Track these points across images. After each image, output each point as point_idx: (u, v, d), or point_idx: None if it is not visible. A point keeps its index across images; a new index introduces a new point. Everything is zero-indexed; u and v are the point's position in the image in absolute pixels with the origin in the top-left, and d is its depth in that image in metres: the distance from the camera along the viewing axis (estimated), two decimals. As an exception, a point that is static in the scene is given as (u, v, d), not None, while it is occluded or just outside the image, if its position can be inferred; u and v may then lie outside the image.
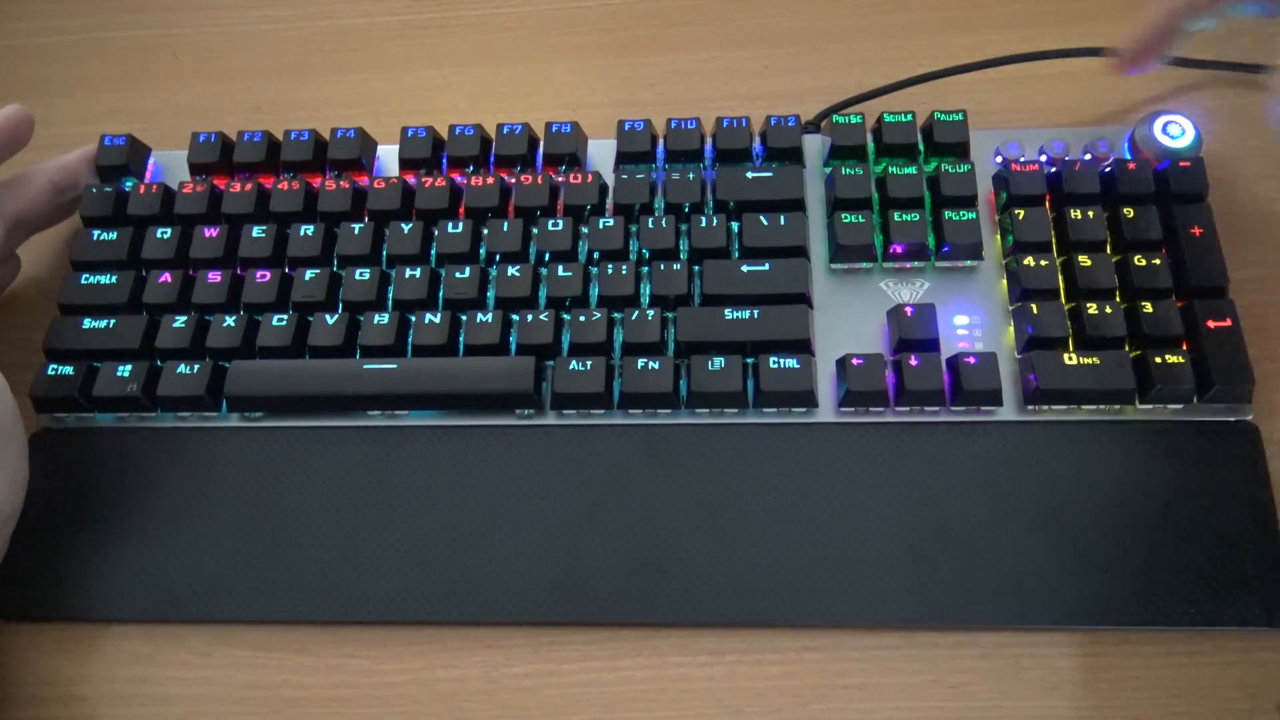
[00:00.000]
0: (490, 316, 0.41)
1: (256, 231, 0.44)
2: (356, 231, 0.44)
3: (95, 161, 0.47)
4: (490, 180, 0.44)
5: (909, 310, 0.40)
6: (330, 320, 0.42)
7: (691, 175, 0.43)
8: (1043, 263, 0.40)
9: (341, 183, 0.45)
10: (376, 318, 0.42)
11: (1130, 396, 0.38)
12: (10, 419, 0.38)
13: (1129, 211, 0.40)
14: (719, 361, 0.40)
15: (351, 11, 0.55)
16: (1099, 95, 0.47)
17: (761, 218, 0.42)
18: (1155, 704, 0.36)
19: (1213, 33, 0.47)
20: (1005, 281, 0.42)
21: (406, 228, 0.43)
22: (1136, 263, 0.39)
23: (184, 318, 0.43)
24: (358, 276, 0.43)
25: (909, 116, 0.43)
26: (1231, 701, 0.36)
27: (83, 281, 0.44)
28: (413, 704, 0.38)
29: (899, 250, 0.41)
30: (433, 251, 0.44)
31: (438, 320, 0.41)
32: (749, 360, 0.40)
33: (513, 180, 0.44)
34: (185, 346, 0.42)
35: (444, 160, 0.46)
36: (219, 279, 0.43)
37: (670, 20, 0.52)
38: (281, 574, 0.39)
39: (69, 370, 0.42)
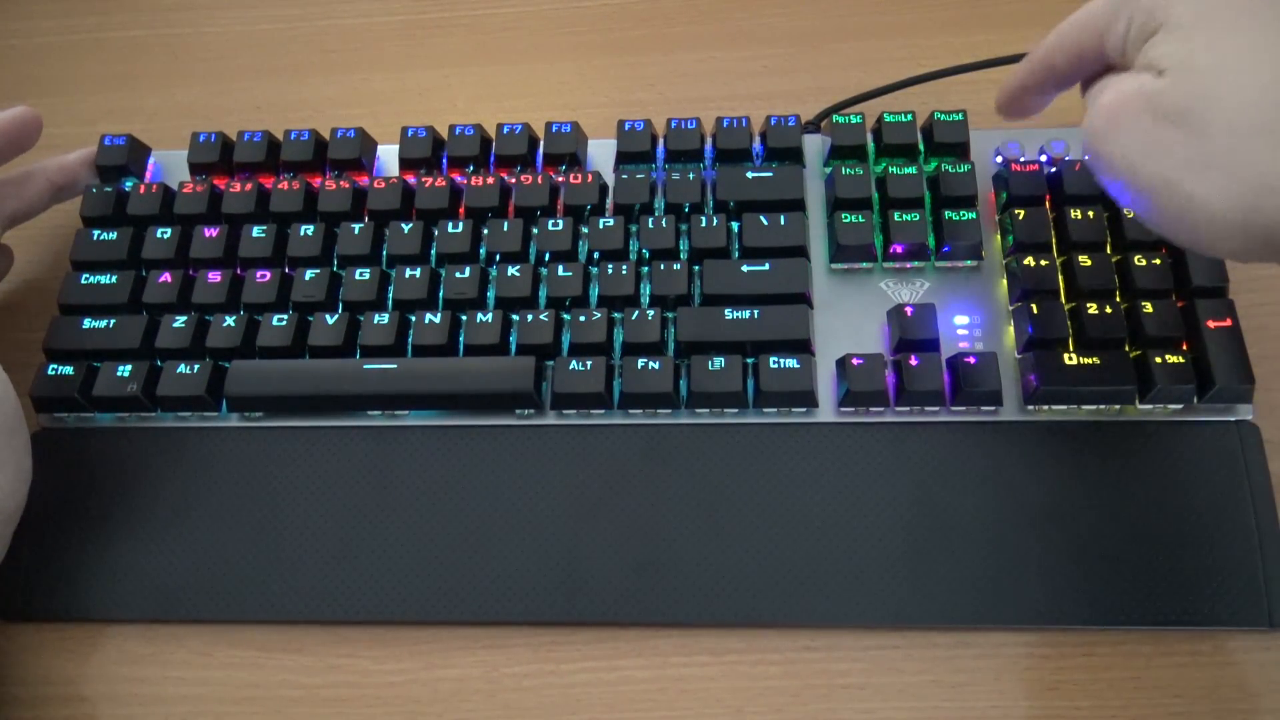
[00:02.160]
0: (490, 316, 0.41)
1: (256, 231, 0.44)
2: (356, 231, 0.44)
3: (95, 161, 0.47)
4: (490, 180, 0.44)
5: (909, 310, 0.40)
6: (330, 320, 0.42)
7: (691, 175, 0.43)
8: (1043, 263, 0.40)
9: (341, 183, 0.45)
10: (376, 318, 0.42)
11: (1130, 396, 0.38)
12: (13, 415, 0.38)
13: (1129, 211, 0.40)
14: (719, 361, 0.40)
15: (351, 11, 0.55)
16: (1099, 95, 0.47)
17: (761, 218, 0.42)
18: (1155, 704, 0.36)
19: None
20: (1005, 281, 0.42)
21: (406, 228, 0.43)
22: (1136, 263, 0.39)
23: (184, 318, 0.43)
24: (358, 276, 0.43)
25: (909, 116, 0.43)
26: (1231, 701, 0.36)
27: (83, 281, 0.44)
28: (413, 704, 0.38)
29: (899, 250, 0.41)
30: (433, 251, 0.44)
31: (438, 320, 0.41)
32: (749, 360, 0.40)
33: (513, 180, 0.44)
34: (185, 346, 0.42)
35: (444, 160, 0.46)
36: (219, 279, 0.43)
37: (670, 20, 0.53)
38: (281, 574, 0.39)
39: (69, 370, 0.42)
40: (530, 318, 0.41)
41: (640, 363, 0.40)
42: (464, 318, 0.42)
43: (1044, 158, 0.43)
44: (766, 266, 0.41)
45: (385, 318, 0.42)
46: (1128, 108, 0.30)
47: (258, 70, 0.53)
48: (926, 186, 0.42)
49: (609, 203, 0.44)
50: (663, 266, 0.42)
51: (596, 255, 0.43)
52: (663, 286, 0.41)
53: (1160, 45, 0.29)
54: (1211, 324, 0.38)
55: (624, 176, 0.44)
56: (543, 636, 0.38)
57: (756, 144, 0.45)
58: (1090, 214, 0.40)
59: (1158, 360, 0.38)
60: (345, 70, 0.53)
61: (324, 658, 0.39)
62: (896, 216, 0.42)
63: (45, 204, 0.46)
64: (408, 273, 0.42)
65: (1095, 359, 0.38)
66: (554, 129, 0.45)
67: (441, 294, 0.42)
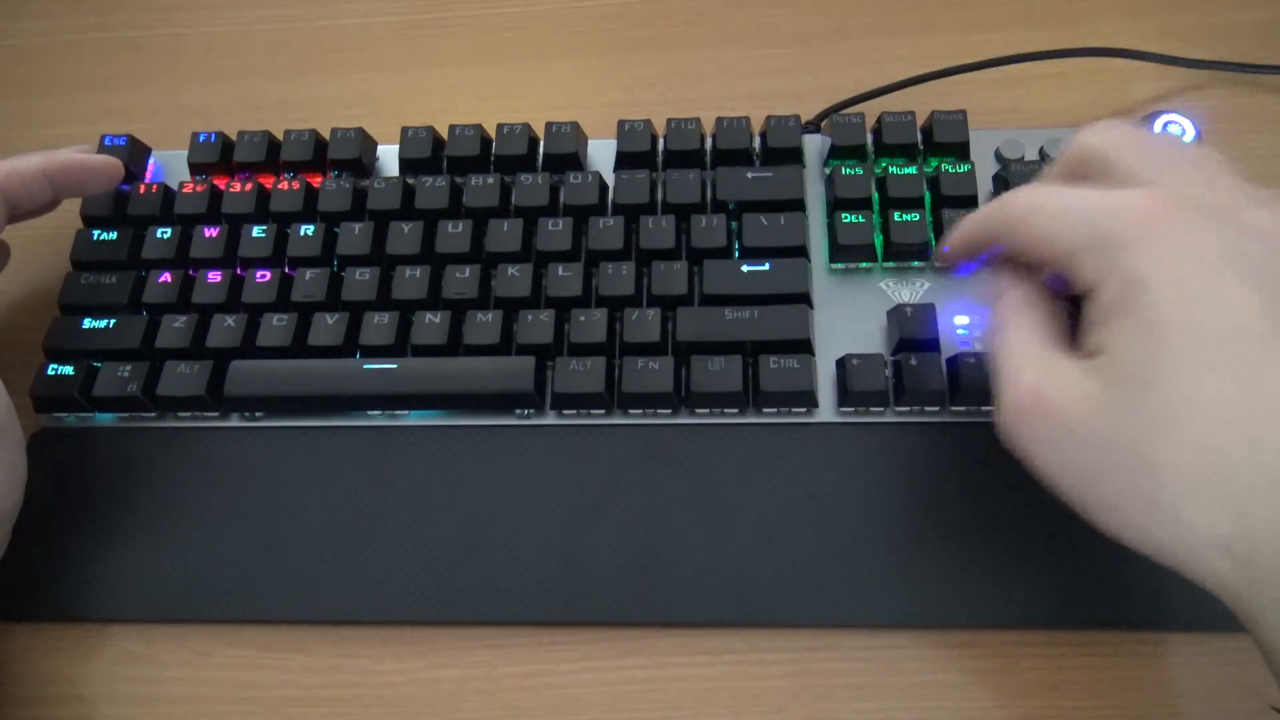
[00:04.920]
0: (490, 316, 0.41)
1: (256, 231, 0.44)
2: (356, 231, 0.44)
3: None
4: (490, 180, 0.44)
5: (909, 310, 0.40)
6: (330, 320, 0.42)
7: (691, 175, 0.43)
8: (1043, 263, 0.40)
9: (341, 183, 0.45)
10: (376, 318, 0.42)
11: (1130, 396, 0.38)
12: (5, 413, 0.37)
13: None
14: (719, 361, 0.39)
15: (351, 11, 0.55)
16: (1099, 95, 0.47)
17: (761, 218, 0.42)
18: (1155, 704, 0.36)
19: (1212, 32, 0.48)
20: (1005, 281, 0.42)
21: (406, 228, 0.43)
22: (1136, 263, 0.39)
23: (184, 318, 0.43)
24: (358, 276, 0.43)
25: (909, 116, 0.43)
26: (1231, 701, 0.36)
27: (83, 281, 0.44)
28: (413, 704, 0.38)
29: (899, 250, 0.41)
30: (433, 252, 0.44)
31: (438, 320, 0.41)
32: (749, 360, 0.40)
33: (512, 180, 0.44)
34: (185, 346, 0.42)
35: (444, 160, 0.46)
36: (219, 279, 0.43)
37: (670, 20, 0.53)
38: (282, 574, 0.39)
39: (69, 370, 0.42)
40: (530, 318, 0.41)
41: (640, 363, 0.40)
42: (464, 318, 0.42)
43: (1044, 158, 0.43)
44: (766, 266, 0.41)
45: (385, 318, 0.42)
46: (1056, 421, 0.28)
47: (258, 70, 0.53)
48: (926, 186, 0.42)
49: (609, 202, 0.44)
50: (663, 266, 0.42)
51: (597, 255, 0.43)
52: (663, 286, 0.41)
53: (1120, 337, 0.27)
54: (1211, 324, 0.38)
55: (624, 176, 0.44)
56: (543, 636, 0.38)
57: (756, 144, 0.44)
58: (1090, 214, 0.40)
59: (1158, 360, 0.38)
60: (345, 70, 0.53)
61: (324, 658, 0.39)
62: (896, 216, 0.41)
63: (43, 204, 0.45)
64: (408, 273, 0.42)
65: (1095, 359, 0.38)
66: (554, 129, 0.45)
67: (442, 294, 0.42)
